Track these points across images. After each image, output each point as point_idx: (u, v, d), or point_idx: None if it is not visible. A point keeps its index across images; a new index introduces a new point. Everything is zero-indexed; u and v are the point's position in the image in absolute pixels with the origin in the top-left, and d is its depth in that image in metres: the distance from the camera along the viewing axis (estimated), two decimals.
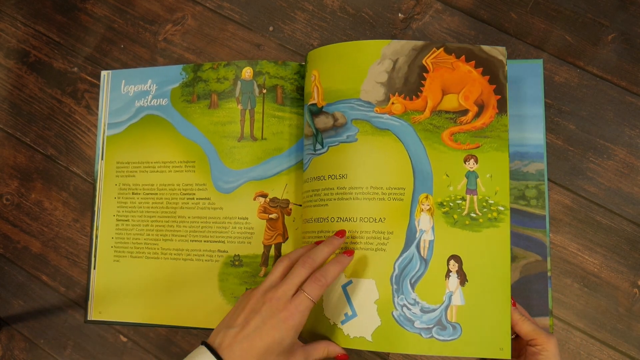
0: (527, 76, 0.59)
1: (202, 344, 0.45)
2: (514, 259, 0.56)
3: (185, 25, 0.68)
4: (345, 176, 0.53)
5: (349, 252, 0.51)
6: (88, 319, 0.63)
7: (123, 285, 0.62)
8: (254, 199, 0.60)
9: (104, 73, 0.67)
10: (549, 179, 0.58)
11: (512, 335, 0.52)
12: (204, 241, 0.60)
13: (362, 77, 0.55)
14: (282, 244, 0.59)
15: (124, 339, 0.63)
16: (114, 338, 0.64)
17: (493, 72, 0.54)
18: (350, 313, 0.52)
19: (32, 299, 0.66)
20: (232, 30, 0.67)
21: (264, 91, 0.61)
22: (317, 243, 0.51)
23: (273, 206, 0.59)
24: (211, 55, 0.67)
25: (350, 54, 0.55)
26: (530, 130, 0.58)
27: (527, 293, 0.55)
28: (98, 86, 0.68)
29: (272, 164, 0.60)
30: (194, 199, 0.61)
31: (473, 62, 0.54)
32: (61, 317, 0.65)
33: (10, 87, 0.70)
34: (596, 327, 0.56)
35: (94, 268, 0.63)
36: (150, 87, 0.65)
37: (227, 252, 0.59)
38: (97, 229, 0.64)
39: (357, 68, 0.55)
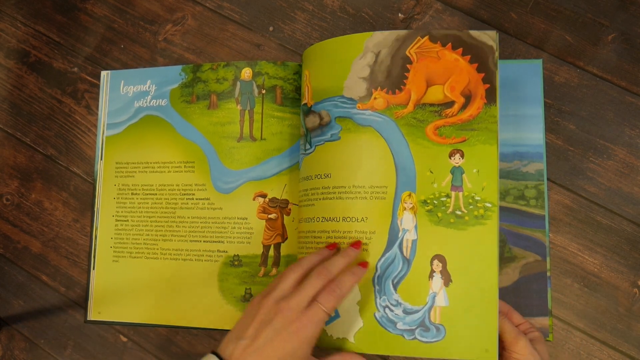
0: (527, 76, 0.59)
1: (211, 354, 0.44)
2: (513, 259, 0.56)
3: (185, 25, 0.68)
4: (329, 175, 0.52)
5: (363, 264, 0.49)
6: (88, 319, 0.63)
7: (122, 285, 0.62)
8: (253, 199, 0.60)
9: (103, 73, 0.67)
10: (548, 179, 0.58)
11: None
12: (204, 241, 0.60)
13: (346, 73, 0.53)
14: (282, 244, 0.59)
15: (124, 339, 0.63)
16: (114, 338, 0.64)
17: (482, 59, 0.50)
18: (332, 314, 0.51)
19: (32, 299, 0.66)
20: (232, 30, 0.67)
21: (263, 92, 0.61)
22: (330, 246, 0.50)
23: (272, 206, 0.59)
24: (211, 55, 0.67)
25: (335, 51, 0.54)
26: (530, 130, 0.58)
27: (526, 293, 0.55)
28: (98, 86, 0.68)
29: (271, 164, 0.60)
30: (193, 199, 0.61)
31: (460, 50, 0.51)
32: (61, 317, 0.65)
33: (10, 87, 0.71)
34: (596, 327, 0.56)
35: (93, 268, 0.63)
36: (149, 87, 0.65)
37: (226, 252, 0.59)
38: (96, 229, 0.64)
39: (340, 64, 0.53)
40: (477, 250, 0.49)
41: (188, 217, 0.61)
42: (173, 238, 0.61)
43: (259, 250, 0.59)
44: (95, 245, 0.64)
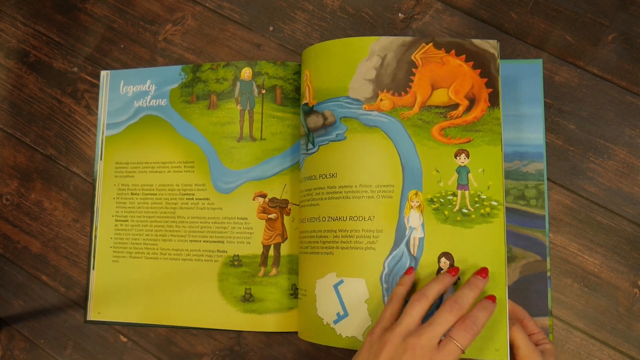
0: (527, 76, 0.59)
1: None
2: (513, 259, 0.56)
3: (185, 25, 0.68)
4: (335, 175, 0.53)
5: (492, 297, 0.46)
6: (87, 319, 0.63)
7: (122, 285, 0.62)
8: (253, 199, 0.60)
9: (103, 73, 0.67)
10: (548, 179, 0.58)
11: None
12: (203, 241, 0.60)
13: (351, 74, 0.54)
14: (282, 244, 0.59)
15: (124, 339, 0.63)
16: (114, 338, 0.64)
17: (484, 66, 0.53)
18: (342, 313, 0.51)
19: (32, 299, 0.66)
20: (232, 30, 0.67)
21: (263, 91, 0.61)
22: (452, 272, 0.48)
23: (272, 206, 0.59)
24: (211, 55, 0.67)
25: (339, 52, 0.54)
26: (530, 130, 0.58)
27: (526, 293, 0.55)
28: (98, 86, 0.68)
29: (271, 164, 0.60)
30: (193, 199, 0.61)
31: (464, 56, 0.53)
32: (61, 317, 0.65)
33: (10, 87, 0.71)
34: (596, 327, 0.56)
35: (93, 268, 0.63)
36: (149, 87, 0.65)
37: (226, 252, 0.59)
38: (96, 229, 0.64)
39: (345, 65, 0.54)
40: (484, 248, 0.49)
41: (188, 217, 0.61)
42: (173, 238, 0.61)
43: (259, 250, 0.59)
44: (95, 245, 0.64)
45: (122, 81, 0.66)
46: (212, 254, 0.60)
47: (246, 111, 0.61)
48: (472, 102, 0.52)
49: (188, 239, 0.61)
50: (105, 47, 0.69)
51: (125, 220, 0.63)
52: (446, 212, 0.51)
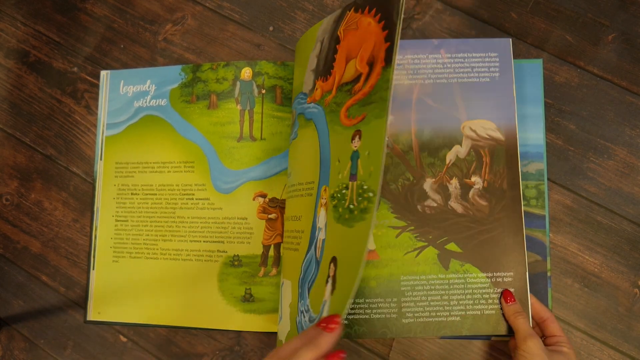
0: (527, 76, 0.59)
1: None
2: None
3: (185, 25, 0.68)
4: (290, 174, 0.52)
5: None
6: (87, 319, 0.63)
7: (122, 285, 0.62)
8: (253, 199, 0.60)
9: (103, 73, 0.67)
10: (549, 179, 0.58)
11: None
12: (203, 241, 0.60)
13: (305, 68, 0.51)
14: (281, 244, 0.59)
15: (124, 339, 0.63)
16: (114, 338, 0.64)
17: (387, 13, 0.42)
18: (280, 315, 0.50)
19: (32, 299, 0.66)
20: (232, 30, 0.67)
21: (263, 91, 0.61)
22: (325, 323, 0.38)
23: (272, 206, 0.59)
24: (211, 55, 0.67)
25: (300, 47, 0.53)
26: (530, 130, 0.58)
27: None
28: (98, 86, 0.68)
29: (271, 164, 0.60)
30: (193, 199, 0.61)
31: (374, 10, 0.44)
32: (61, 317, 0.65)
33: (10, 87, 0.71)
34: (596, 327, 0.56)
35: (93, 268, 0.63)
36: (149, 87, 0.65)
37: (226, 252, 0.59)
38: (96, 229, 0.64)
39: (303, 60, 0.52)
40: (354, 253, 0.39)
41: (188, 217, 0.61)
42: (173, 238, 0.61)
43: (259, 250, 0.59)
44: (95, 245, 0.64)
45: (122, 81, 0.66)
46: (212, 254, 0.60)
47: (246, 111, 0.61)
48: (371, 66, 0.43)
49: (188, 239, 0.61)
50: (105, 47, 0.69)
51: (125, 220, 0.63)
52: (340, 209, 0.43)
